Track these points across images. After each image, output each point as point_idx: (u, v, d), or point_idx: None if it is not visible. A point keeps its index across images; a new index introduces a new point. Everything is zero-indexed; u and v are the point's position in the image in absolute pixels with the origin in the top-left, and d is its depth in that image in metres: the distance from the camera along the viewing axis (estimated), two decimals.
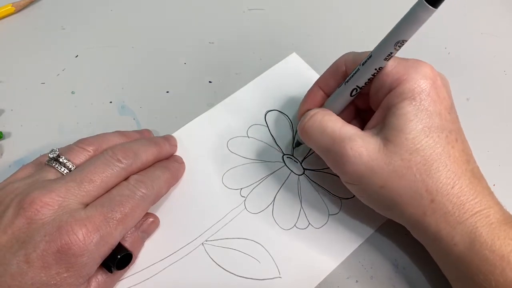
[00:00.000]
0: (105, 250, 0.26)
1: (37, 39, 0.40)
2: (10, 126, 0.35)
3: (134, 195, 0.28)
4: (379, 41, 0.27)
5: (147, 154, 0.30)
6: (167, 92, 0.38)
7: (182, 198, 0.33)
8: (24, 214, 0.25)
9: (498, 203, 0.27)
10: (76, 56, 0.39)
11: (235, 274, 0.30)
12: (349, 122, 0.29)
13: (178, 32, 0.41)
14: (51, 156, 0.28)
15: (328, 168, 0.33)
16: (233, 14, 0.42)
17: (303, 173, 0.34)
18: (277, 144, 0.35)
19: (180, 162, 0.33)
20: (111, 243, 0.26)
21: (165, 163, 0.32)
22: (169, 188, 0.32)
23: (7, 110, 0.36)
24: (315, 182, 0.34)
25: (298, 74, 0.38)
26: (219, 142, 0.35)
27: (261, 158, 0.34)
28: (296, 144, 0.34)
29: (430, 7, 0.23)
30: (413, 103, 0.26)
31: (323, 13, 0.43)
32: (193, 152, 0.34)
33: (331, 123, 0.28)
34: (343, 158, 0.27)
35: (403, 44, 0.25)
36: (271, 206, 0.33)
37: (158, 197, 0.30)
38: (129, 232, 0.29)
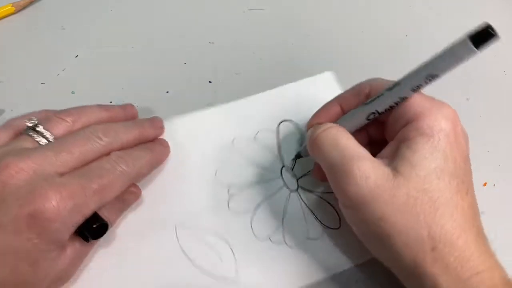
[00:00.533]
0: (79, 218, 0.26)
1: (37, 39, 0.40)
2: None
3: (114, 170, 0.27)
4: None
5: (128, 135, 0.30)
6: (167, 92, 0.38)
7: (170, 178, 0.33)
8: None
9: (500, 266, 0.25)
10: (76, 56, 0.39)
11: (192, 263, 0.30)
12: None
13: (178, 32, 0.41)
14: (29, 124, 0.28)
15: (323, 193, 0.33)
16: (233, 14, 0.42)
17: (296, 190, 0.33)
18: (280, 155, 0.35)
19: (165, 145, 0.33)
20: (85, 213, 0.26)
21: (149, 145, 0.32)
22: (151, 170, 0.32)
23: (7, 110, 0.36)
24: (304, 203, 0.33)
25: (327, 94, 0.35)
26: (226, 137, 0.35)
27: (260, 163, 0.34)
28: (297, 156, 0.34)
29: (475, 48, 0.22)
30: (431, 140, 0.25)
31: (323, 13, 0.43)
32: (199, 138, 0.35)
33: (345, 140, 0.27)
34: (348, 177, 0.25)
35: (434, 80, 0.24)
36: (252, 212, 0.32)
37: (138, 176, 0.30)
38: None
